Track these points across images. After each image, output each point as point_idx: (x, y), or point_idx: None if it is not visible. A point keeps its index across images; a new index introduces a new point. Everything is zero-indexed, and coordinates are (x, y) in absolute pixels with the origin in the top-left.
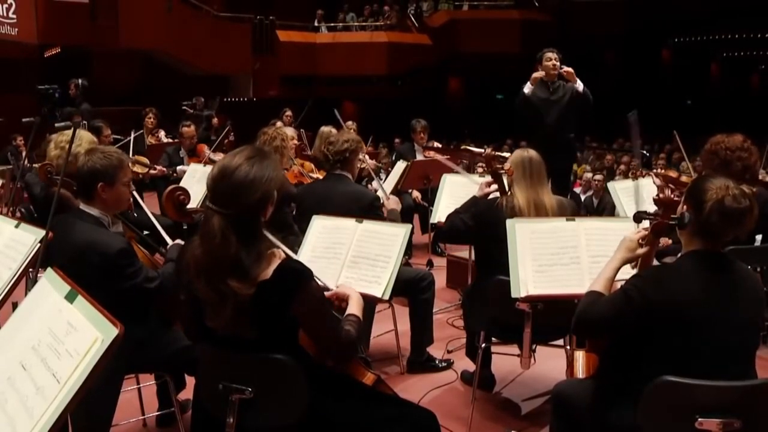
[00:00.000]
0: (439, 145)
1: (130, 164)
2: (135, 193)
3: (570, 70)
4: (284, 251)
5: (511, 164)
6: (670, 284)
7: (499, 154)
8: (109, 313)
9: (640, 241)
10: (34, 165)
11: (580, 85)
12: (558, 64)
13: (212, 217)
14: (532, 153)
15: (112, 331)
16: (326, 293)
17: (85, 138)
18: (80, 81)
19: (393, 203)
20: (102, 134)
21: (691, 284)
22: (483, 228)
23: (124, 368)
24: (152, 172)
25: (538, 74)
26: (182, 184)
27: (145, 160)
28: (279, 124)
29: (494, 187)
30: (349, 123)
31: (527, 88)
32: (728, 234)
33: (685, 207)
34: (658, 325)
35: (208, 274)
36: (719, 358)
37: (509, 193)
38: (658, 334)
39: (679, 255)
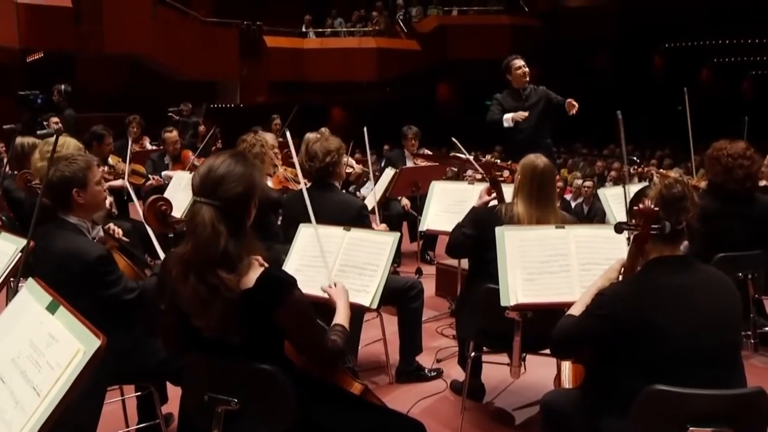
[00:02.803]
0: (430, 153)
1: (125, 171)
2: (134, 197)
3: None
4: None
5: (520, 169)
6: (632, 297)
7: (497, 161)
8: (92, 322)
9: (620, 272)
10: (15, 172)
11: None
12: (527, 70)
13: (201, 210)
14: (544, 161)
15: (94, 343)
16: (322, 287)
17: (72, 145)
18: (63, 87)
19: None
20: (104, 142)
21: (654, 293)
22: (481, 234)
23: (107, 380)
24: (148, 183)
25: (522, 115)
26: (167, 192)
27: (143, 170)
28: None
29: (493, 195)
30: (323, 129)
31: (506, 122)
32: (678, 222)
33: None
34: (628, 338)
35: (198, 267)
36: (698, 361)
37: (513, 201)
38: (630, 346)
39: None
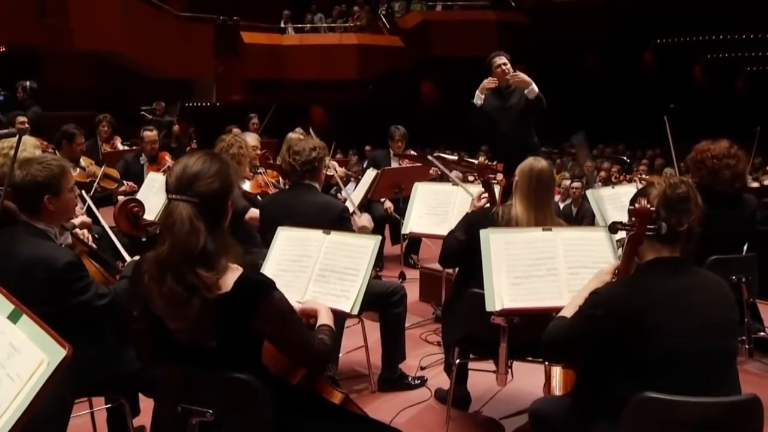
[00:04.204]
0: (415, 153)
1: (98, 174)
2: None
3: (520, 75)
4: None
5: (518, 172)
6: (626, 298)
7: (469, 160)
8: (58, 331)
9: (614, 273)
10: None
11: (533, 90)
12: (509, 67)
13: (177, 207)
14: (543, 165)
15: (59, 353)
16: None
17: (28, 143)
18: (28, 83)
19: (365, 221)
20: (75, 141)
21: (648, 294)
22: (473, 238)
23: (74, 391)
24: (121, 189)
25: (490, 83)
26: (140, 194)
27: (116, 174)
28: (236, 131)
29: (485, 198)
30: (298, 129)
31: (478, 99)
32: (680, 224)
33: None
34: (622, 340)
35: (176, 266)
36: (689, 367)
37: (511, 202)
38: (624, 348)
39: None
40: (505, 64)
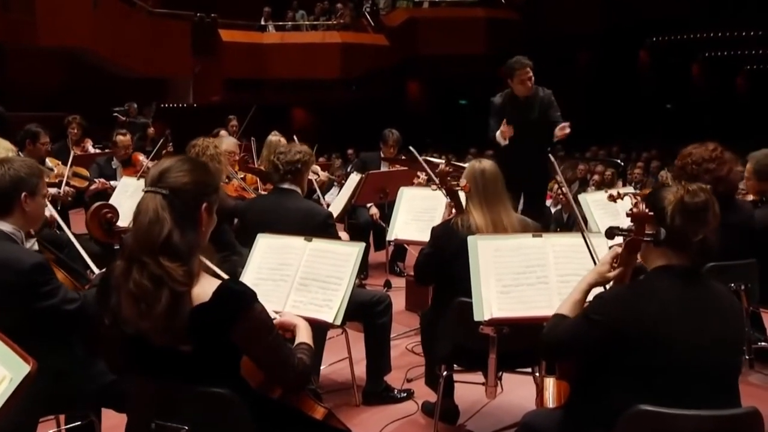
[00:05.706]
0: (404, 158)
1: (66, 175)
2: (55, 212)
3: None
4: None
5: (465, 178)
6: (635, 303)
7: (457, 163)
8: (24, 340)
9: (613, 263)
10: None
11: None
12: (531, 84)
13: (146, 199)
14: (485, 164)
15: (22, 369)
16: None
17: (1, 145)
18: None
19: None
20: (39, 141)
21: (659, 301)
22: (441, 251)
23: (40, 408)
24: (93, 187)
25: (505, 134)
26: (113, 199)
27: (85, 172)
28: (223, 133)
29: (452, 208)
30: (275, 132)
31: (502, 142)
32: (695, 234)
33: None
34: (623, 348)
35: (139, 257)
36: (693, 379)
37: (467, 210)
38: (624, 356)
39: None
40: (530, 80)
